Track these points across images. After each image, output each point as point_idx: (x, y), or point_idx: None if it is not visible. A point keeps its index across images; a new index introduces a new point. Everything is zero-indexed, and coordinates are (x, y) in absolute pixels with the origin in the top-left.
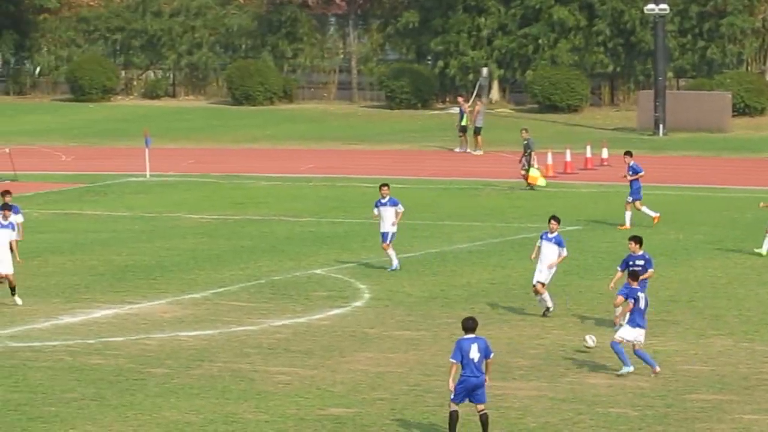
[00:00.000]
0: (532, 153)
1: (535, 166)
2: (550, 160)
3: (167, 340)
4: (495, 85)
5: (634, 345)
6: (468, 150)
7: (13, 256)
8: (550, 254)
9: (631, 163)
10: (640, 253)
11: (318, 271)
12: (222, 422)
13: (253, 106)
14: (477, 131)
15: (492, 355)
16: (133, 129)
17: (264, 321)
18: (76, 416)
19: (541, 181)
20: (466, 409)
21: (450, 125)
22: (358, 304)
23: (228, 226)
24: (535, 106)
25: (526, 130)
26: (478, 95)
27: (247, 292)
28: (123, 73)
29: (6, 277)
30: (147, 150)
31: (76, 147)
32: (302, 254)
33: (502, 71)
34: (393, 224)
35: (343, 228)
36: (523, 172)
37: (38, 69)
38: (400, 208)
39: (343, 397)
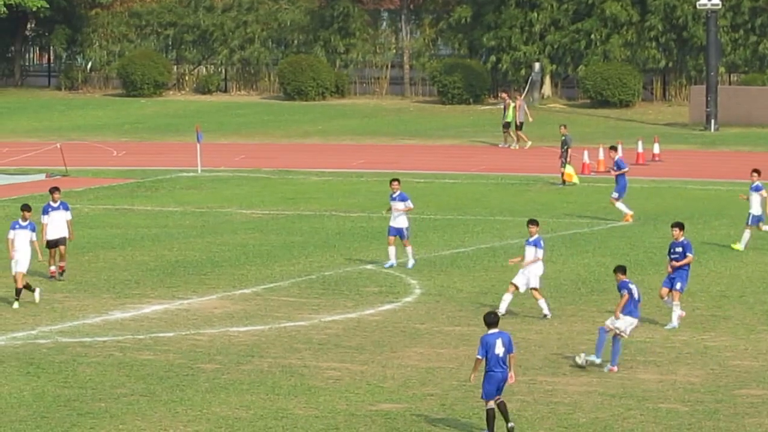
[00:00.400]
0: (569, 150)
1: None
2: (601, 155)
3: (217, 336)
4: (547, 80)
5: (617, 333)
6: (511, 145)
7: (34, 255)
8: (531, 258)
9: (617, 158)
10: (681, 239)
11: (369, 267)
12: (272, 418)
13: (305, 101)
14: (518, 126)
15: (515, 351)
16: (185, 124)
17: (315, 316)
18: (126, 412)
19: (576, 179)
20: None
21: (499, 120)
22: (408, 299)
23: (279, 222)
24: (587, 101)
25: (564, 126)
26: (530, 91)
27: (298, 287)
28: (175, 68)
29: (17, 276)
30: (198, 145)
31: (127, 142)
32: (353, 250)
33: (554, 66)
34: (406, 220)
35: None
36: (562, 169)
37: (90, 64)
38: (410, 204)
39: (393, 392)
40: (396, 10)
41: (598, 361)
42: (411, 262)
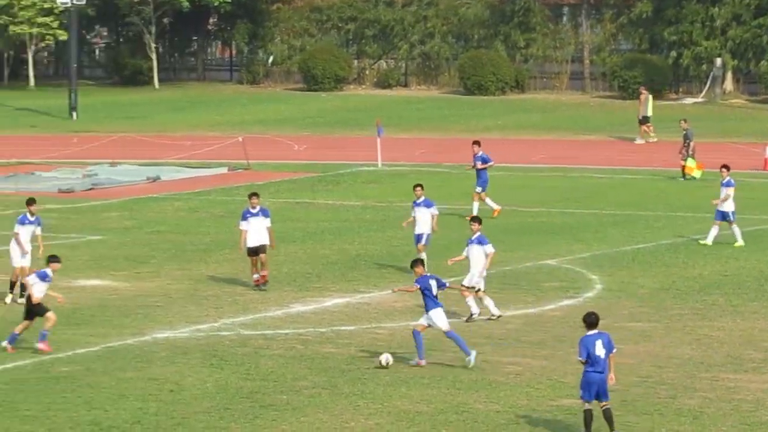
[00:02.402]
0: (691, 143)
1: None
2: None
3: (398, 330)
4: (728, 75)
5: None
6: (643, 140)
7: (35, 250)
8: (477, 256)
9: (480, 153)
10: None
11: (549, 262)
12: (453, 412)
13: (485, 96)
14: (644, 120)
15: (615, 350)
16: (365, 119)
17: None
18: (308, 404)
19: (697, 173)
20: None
21: (682, 115)
22: (589, 295)
23: (458, 217)
24: None
25: (685, 120)
26: (711, 86)
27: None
28: (355, 62)
29: (22, 270)
30: (379, 139)
31: (308, 136)
32: (533, 245)
33: (735, 62)
34: (429, 227)
35: (575, 219)
36: (683, 163)
37: (271, 58)
38: (435, 211)
39: (574, 387)
40: (576, 5)
41: None
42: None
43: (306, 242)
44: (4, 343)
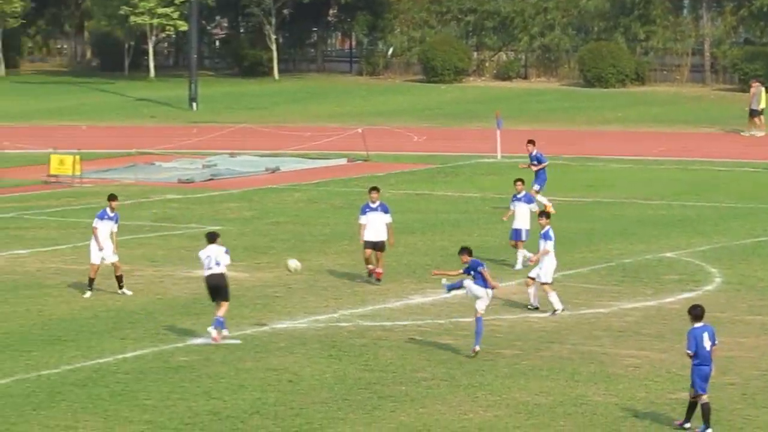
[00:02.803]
0: None
1: None
2: None
3: (517, 322)
4: None
5: None
6: (752, 132)
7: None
8: (541, 248)
9: (534, 152)
10: None
11: (669, 255)
12: (571, 404)
13: (605, 88)
14: (754, 113)
15: (717, 344)
16: (485, 110)
17: (614, 304)
18: (426, 396)
19: None
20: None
21: None
22: (708, 288)
23: (578, 209)
24: None
25: None
26: None
27: (598, 274)
28: (475, 54)
29: (114, 266)
30: (498, 131)
31: (427, 128)
32: (653, 237)
33: None
34: (528, 222)
35: (695, 211)
36: None
37: (391, 50)
38: (535, 207)
39: None
40: None
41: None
42: (518, 266)
43: (425, 233)
44: (214, 334)
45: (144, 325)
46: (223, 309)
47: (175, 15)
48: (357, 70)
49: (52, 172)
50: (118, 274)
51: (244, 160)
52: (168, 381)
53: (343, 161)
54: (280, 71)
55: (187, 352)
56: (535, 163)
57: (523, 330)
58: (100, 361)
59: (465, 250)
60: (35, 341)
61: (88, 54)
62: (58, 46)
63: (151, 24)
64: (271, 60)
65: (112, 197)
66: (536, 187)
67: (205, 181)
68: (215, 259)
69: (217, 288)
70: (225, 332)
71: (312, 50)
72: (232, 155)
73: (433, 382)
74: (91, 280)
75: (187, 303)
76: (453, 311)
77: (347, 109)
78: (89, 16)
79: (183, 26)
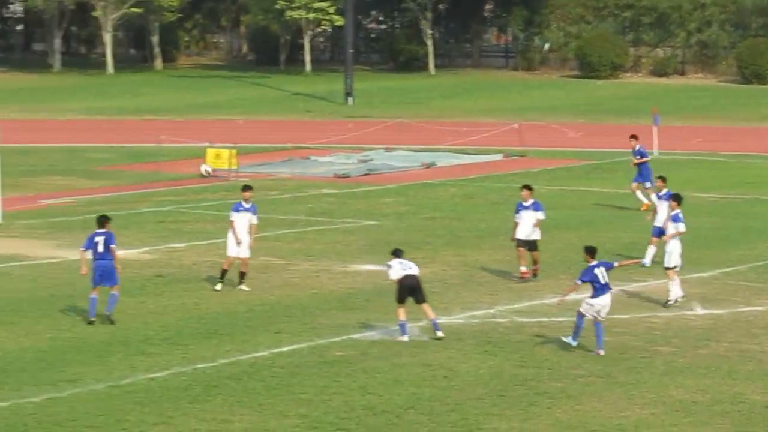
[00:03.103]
0: None
1: None
2: None
3: (673, 319)
4: None
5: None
6: None
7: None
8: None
9: (637, 146)
10: None
11: None
12: (729, 402)
13: (763, 84)
14: None
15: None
16: (641, 106)
17: None
18: (582, 393)
19: None
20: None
21: None
22: None
23: (736, 206)
24: None
25: None
26: None
27: (756, 272)
28: (632, 50)
29: (241, 260)
30: (655, 128)
31: (583, 124)
32: None
33: None
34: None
35: None
36: None
37: (547, 45)
38: (254, 220)
39: None
40: None
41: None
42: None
43: (581, 230)
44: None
45: (299, 320)
46: (430, 311)
47: (331, 9)
48: (513, 65)
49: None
50: (242, 270)
51: (399, 155)
52: (323, 375)
53: (498, 157)
54: (435, 66)
55: (343, 346)
56: (638, 157)
57: (680, 327)
58: (256, 355)
59: (589, 250)
60: (192, 335)
61: (244, 48)
62: (215, 41)
63: (307, 18)
64: (426, 55)
65: (245, 188)
66: (647, 184)
67: (361, 175)
68: (407, 265)
69: (414, 288)
70: (439, 333)
71: (468, 45)
72: (387, 150)
73: (590, 379)
74: (224, 272)
75: (342, 297)
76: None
77: (503, 104)
78: (246, 10)
79: (339, 21)
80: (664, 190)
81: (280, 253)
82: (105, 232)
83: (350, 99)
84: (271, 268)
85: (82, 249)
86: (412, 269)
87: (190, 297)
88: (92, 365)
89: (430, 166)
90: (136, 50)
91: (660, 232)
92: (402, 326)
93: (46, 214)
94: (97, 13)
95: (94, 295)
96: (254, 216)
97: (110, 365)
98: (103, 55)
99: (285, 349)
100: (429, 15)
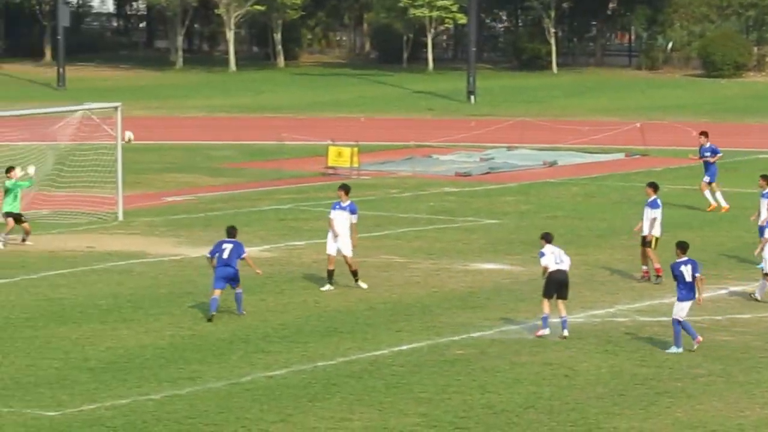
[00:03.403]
0: None
1: None
2: None
3: None
4: None
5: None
6: None
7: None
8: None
9: (708, 144)
10: None
11: None
12: None
13: None
14: None
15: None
16: (765, 106)
17: None
18: (703, 392)
19: None
20: None
21: None
22: None
23: None
24: None
25: None
26: None
27: None
28: (755, 49)
29: (345, 258)
30: None
31: (706, 123)
32: None
33: None
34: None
35: None
36: None
37: (670, 44)
38: (354, 219)
39: None
40: None
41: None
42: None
43: (703, 229)
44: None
45: (420, 318)
46: (564, 309)
47: (455, 8)
48: (636, 64)
49: (330, 163)
50: (351, 269)
51: (521, 154)
52: (443, 374)
53: (620, 156)
54: (558, 65)
55: (463, 345)
56: (708, 154)
57: None
58: (376, 353)
59: (680, 245)
60: (311, 332)
61: (367, 46)
62: (337, 38)
63: (430, 16)
64: (549, 53)
65: (341, 187)
66: (706, 179)
67: (482, 174)
68: (559, 256)
69: (562, 284)
70: (565, 332)
71: (591, 44)
72: (509, 148)
73: (710, 379)
74: (330, 273)
75: (463, 296)
76: (729, 307)
77: (625, 103)
78: (369, 8)
79: (462, 19)
80: (766, 189)
81: (401, 252)
82: (234, 242)
83: (472, 97)
84: (392, 267)
85: (208, 256)
86: (564, 263)
87: (310, 295)
88: (212, 363)
89: (551, 164)
90: (259, 48)
91: (763, 231)
92: (544, 320)
93: (167, 212)
94: (221, 11)
95: (215, 296)
96: (353, 215)
97: (230, 363)
98: (226, 52)
99: (405, 347)
100: (552, 13)
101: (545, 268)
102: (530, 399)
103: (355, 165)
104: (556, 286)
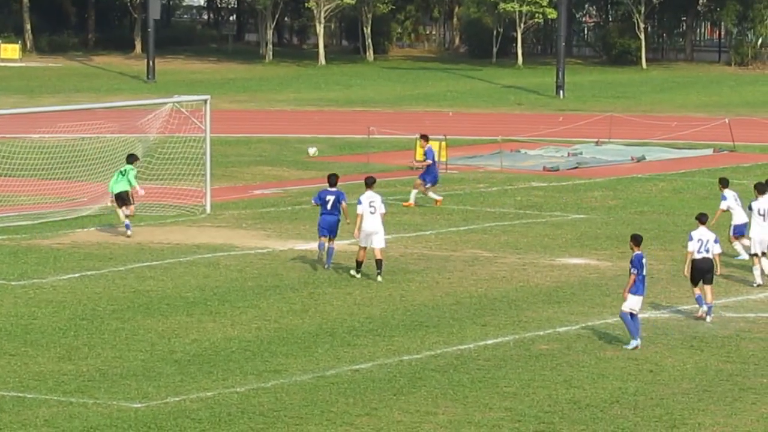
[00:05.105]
0: None
1: None
2: None
3: None
4: None
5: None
6: None
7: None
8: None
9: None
10: None
11: None
12: None
13: None
14: None
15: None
16: None
17: None
18: None
19: None
20: None
21: None
22: None
23: None
24: None
25: None
26: None
27: None
28: None
29: (376, 250)
30: None
31: None
32: None
33: None
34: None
35: None
36: None
37: (760, 40)
38: (383, 209)
39: None
40: None
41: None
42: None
43: None
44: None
45: (505, 313)
46: (711, 294)
47: (545, 2)
48: (725, 59)
49: (418, 158)
50: (377, 258)
51: (609, 149)
52: (528, 369)
53: (709, 152)
54: (647, 60)
55: (549, 340)
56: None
57: None
58: (461, 347)
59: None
60: (397, 326)
61: (457, 40)
62: (427, 32)
63: (520, 11)
64: (639, 49)
65: (369, 181)
66: (424, 180)
67: (570, 169)
68: (706, 244)
69: (706, 272)
70: (709, 318)
71: (680, 39)
72: (597, 144)
73: None
74: (359, 263)
75: (549, 291)
76: None
77: (714, 99)
78: (459, 2)
79: (552, 14)
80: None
81: (487, 246)
82: (336, 191)
83: (561, 92)
84: (479, 261)
85: (314, 202)
86: (711, 251)
87: (396, 288)
88: (297, 356)
89: (639, 160)
90: (348, 42)
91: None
92: (699, 299)
93: (254, 205)
94: (311, 5)
95: (322, 241)
96: (382, 205)
97: (315, 356)
98: (315, 46)
99: (490, 342)
100: (642, 9)
101: (690, 254)
102: (615, 394)
103: (444, 159)
104: (700, 273)
